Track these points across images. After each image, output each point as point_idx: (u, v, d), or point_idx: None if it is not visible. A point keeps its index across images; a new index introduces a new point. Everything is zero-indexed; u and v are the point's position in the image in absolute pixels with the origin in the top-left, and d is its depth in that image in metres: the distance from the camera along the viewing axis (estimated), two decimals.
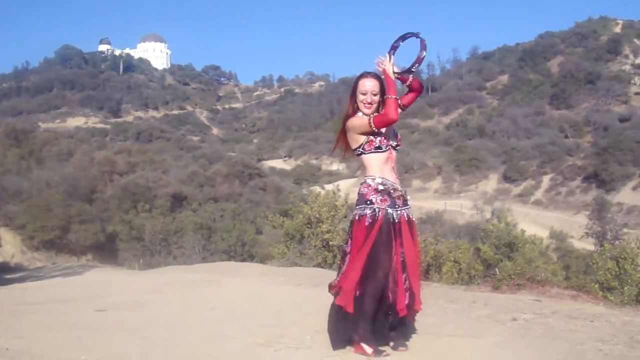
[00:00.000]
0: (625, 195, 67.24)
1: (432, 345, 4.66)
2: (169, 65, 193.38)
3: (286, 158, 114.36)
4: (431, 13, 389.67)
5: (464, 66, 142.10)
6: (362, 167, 4.64)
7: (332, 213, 14.07)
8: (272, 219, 16.21)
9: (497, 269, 9.07)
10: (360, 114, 4.59)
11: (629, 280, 8.70)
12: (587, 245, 43.45)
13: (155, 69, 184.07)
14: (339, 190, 16.62)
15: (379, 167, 4.50)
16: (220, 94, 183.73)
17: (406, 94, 4.70)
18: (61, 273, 15.79)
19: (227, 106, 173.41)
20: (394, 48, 4.63)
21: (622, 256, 9.20)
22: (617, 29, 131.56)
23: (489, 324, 5.34)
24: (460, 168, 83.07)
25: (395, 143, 4.59)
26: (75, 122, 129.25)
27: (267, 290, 8.28)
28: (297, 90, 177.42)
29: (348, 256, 4.50)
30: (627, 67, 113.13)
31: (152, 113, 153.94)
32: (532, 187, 77.64)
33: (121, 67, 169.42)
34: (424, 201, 68.02)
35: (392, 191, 4.47)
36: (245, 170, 48.19)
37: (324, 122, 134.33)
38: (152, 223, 25.58)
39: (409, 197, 4.66)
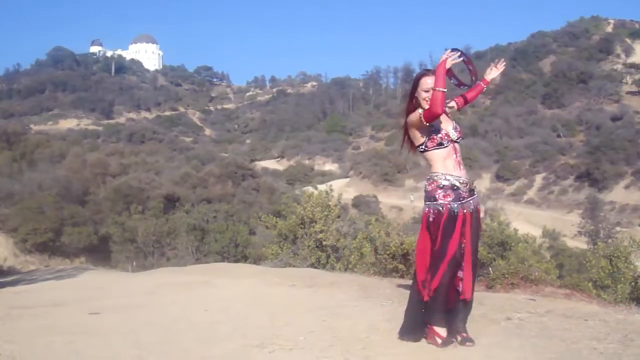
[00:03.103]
0: (617, 194, 67.49)
1: (427, 344, 4.65)
2: (161, 67, 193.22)
3: (279, 158, 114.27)
4: (423, 13, 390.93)
5: (457, 65, 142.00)
6: (427, 163, 4.81)
7: (325, 213, 14.06)
8: (265, 220, 16.18)
9: (490, 268, 9.07)
10: (420, 110, 4.71)
11: (622, 279, 8.70)
12: (580, 244, 43.67)
13: (147, 70, 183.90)
14: (332, 190, 16.61)
15: (442, 162, 4.66)
16: (213, 95, 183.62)
17: (470, 90, 5.08)
18: (54, 276, 15.74)
19: (219, 107, 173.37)
20: (460, 56, 4.84)
21: (615, 254, 9.21)
22: (609, 29, 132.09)
23: (483, 323, 5.34)
24: None
25: (457, 136, 4.72)
26: (67, 124, 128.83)
27: (261, 291, 8.26)
28: (289, 91, 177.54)
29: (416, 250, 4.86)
30: (619, 67, 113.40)
31: (145, 114, 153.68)
32: (524, 186, 77.84)
33: (113, 68, 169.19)
34: (418, 200, 68.08)
35: (456, 185, 4.61)
36: (238, 171, 48.22)
37: (317, 122, 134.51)
38: (145, 225, 25.54)
39: (474, 187, 4.78)
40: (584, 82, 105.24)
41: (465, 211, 4.60)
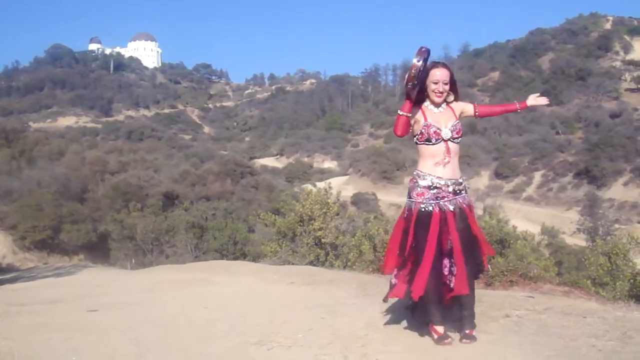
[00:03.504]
0: (616, 191, 67.47)
1: (425, 342, 4.65)
2: (160, 64, 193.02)
3: (278, 156, 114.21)
4: (422, 10, 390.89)
5: (455, 63, 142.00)
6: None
7: (324, 210, 14.05)
8: (264, 217, 16.17)
9: (489, 266, 9.07)
10: (426, 103, 4.74)
11: (621, 276, 8.71)
12: (579, 241, 43.62)
13: (146, 68, 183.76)
14: (330, 187, 16.59)
15: (428, 159, 4.68)
16: (212, 93, 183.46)
17: (501, 105, 5.07)
18: (53, 273, 15.71)
19: (218, 104, 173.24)
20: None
21: (614, 252, 9.21)
22: (608, 26, 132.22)
23: (482, 320, 5.33)
24: None
25: (450, 135, 4.66)
26: (66, 121, 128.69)
27: (260, 288, 8.26)
28: (288, 88, 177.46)
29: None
30: (618, 64, 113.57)
31: (143, 112, 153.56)
32: (523, 184, 77.82)
33: (112, 66, 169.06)
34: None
35: (434, 185, 4.63)
36: (237, 168, 48.18)
37: (316, 120, 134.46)
38: (144, 222, 25.48)
39: (462, 187, 4.73)
40: (583, 79, 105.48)
41: (443, 210, 4.61)
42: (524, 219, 55.35)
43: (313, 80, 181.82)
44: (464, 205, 4.68)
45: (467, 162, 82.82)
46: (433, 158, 4.65)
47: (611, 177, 69.45)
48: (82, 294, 8.91)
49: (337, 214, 14.64)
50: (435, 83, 4.66)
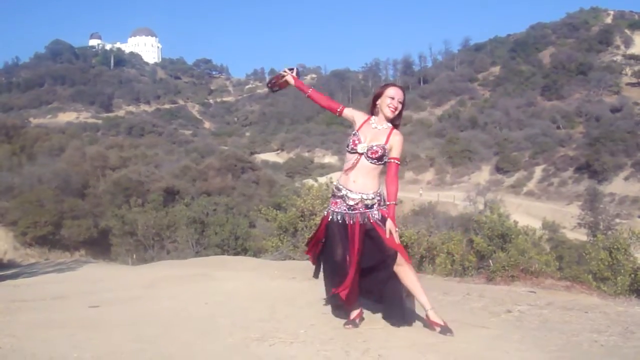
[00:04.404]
0: (617, 186, 67.48)
1: (427, 337, 4.65)
2: (160, 59, 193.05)
3: (278, 151, 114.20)
4: (423, 4, 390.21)
5: (456, 58, 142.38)
6: None
7: (325, 205, 14.03)
8: (265, 213, 16.18)
9: (490, 261, 9.06)
10: (373, 118, 5.00)
11: (622, 271, 8.70)
12: (580, 236, 43.68)
13: (147, 63, 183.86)
14: (331, 182, 16.57)
15: (345, 169, 4.90)
16: (212, 88, 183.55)
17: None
18: (54, 269, 15.75)
19: (218, 99, 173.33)
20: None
21: (615, 246, 9.20)
22: (608, 20, 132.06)
23: (483, 315, 5.34)
24: (452, 160, 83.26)
25: (365, 152, 4.78)
26: (67, 117, 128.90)
27: (261, 284, 8.25)
28: None
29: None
30: (619, 58, 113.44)
31: (144, 107, 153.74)
32: (524, 178, 77.81)
33: (112, 61, 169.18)
34: (417, 193, 68.26)
35: (343, 197, 4.87)
36: (237, 163, 48.19)
37: (316, 114, 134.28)
38: (145, 218, 25.46)
39: (374, 202, 4.82)
40: (584, 73, 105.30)
41: (352, 221, 4.82)
42: (525, 213, 55.43)
43: (314, 75, 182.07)
44: (373, 220, 4.78)
45: (468, 156, 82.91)
46: (347, 170, 4.84)
47: (612, 172, 69.45)
48: (83, 290, 8.92)
49: None
50: (392, 98, 4.86)
